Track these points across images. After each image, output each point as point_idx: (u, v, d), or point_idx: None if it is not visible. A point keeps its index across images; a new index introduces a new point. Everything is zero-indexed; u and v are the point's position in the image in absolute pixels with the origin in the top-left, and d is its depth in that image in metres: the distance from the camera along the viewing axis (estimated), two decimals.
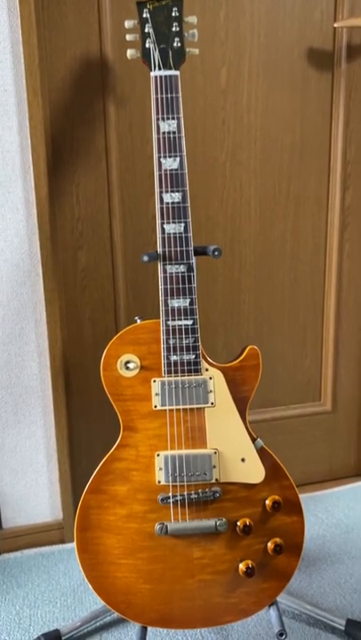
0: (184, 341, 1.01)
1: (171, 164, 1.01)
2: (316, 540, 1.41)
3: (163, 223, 1.01)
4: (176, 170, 1.00)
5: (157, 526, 0.99)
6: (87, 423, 1.43)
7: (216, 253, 1.01)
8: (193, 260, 1.01)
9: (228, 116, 1.38)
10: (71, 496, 1.40)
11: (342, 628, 1.12)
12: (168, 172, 1.00)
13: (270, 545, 1.01)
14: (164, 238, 1.00)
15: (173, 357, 1.01)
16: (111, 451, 1.01)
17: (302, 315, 1.55)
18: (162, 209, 1.01)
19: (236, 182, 1.42)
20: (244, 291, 1.50)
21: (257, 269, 1.49)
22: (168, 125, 1.01)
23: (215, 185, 1.41)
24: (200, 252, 1.04)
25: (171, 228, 1.00)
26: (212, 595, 1.02)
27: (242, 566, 1.01)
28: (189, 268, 1.01)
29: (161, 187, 1.00)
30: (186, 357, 1.01)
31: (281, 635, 1.00)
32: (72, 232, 1.33)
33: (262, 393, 1.56)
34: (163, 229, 1.01)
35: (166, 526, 0.99)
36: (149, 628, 1.07)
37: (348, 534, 1.43)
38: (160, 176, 1.00)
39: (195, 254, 1.02)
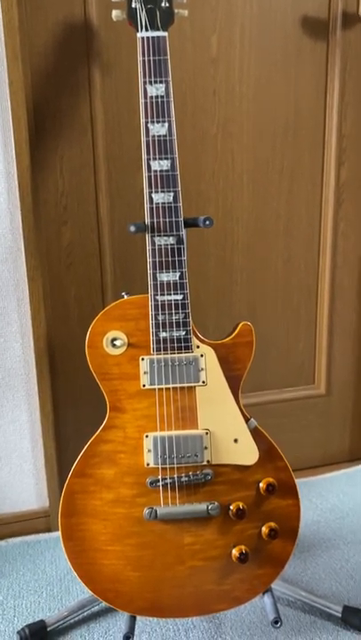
0: (174, 317, 0.96)
1: (159, 129, 0.95)
2: (310, 525, 1.37)
3: (151, 192, 0.95)
4: (164, 136, 0.95)
5: (146, 511, 0.95)
6: (74, 406, 1.38)
7: (207, 222, 0.95)
8: (183, 232, 0.96)
9: (219, 87, 1.32)
10: (57, 482, 1.35)
11: (339, 615, 1.08)
12: (156, 139, 0.95)
13: (265, 529, 0.96)
14: (152, 208, 0.95)
15: (163, 334, 0.96)
16: (97, 432, 0.96)
17: (296, 295, 1.51)
18: (150, 177, 0.95)
19: (227, 156, 1.37)
20: (236, 270, 1.44)
21: (250, 248, 1.44)
22: (156, 89, 0.95)
23: (206, 159, 1.35)
24: (190, 223, 0.99)
25: (159, 197, 0.95)
26: (204, 582, 0.98)
27: (235, 552, 0.96)
28: (179, 240, 0.96)
29: (149, 154, 0.95)
30: (176, 334, 0.96)
31: (276, 622, 0.95)
32: (56, 206, 1.27)
33: (255, 376, 1.51)
34: (151, 199, 0.95)
35: (155, 511, 0.94)
36: (139, 618, 1.03)
37: (343, 520, 1.40)
38: (147, 142, 0.95)
39: (185, 226, 0.97)
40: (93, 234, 1.31)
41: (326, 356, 1.56)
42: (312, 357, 1.56)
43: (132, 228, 0.93)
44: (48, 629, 1.07)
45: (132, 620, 0.99)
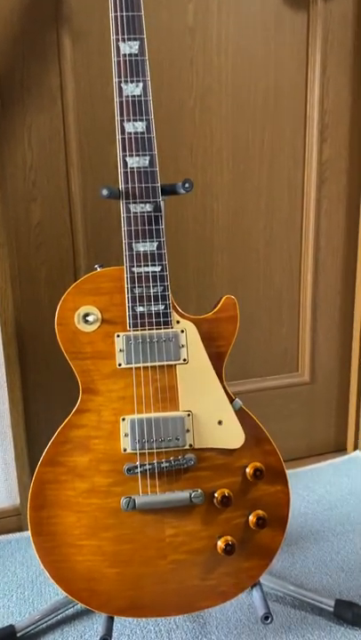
0: (151, 290, 0.88)
1: (133, 89, 0.88)
2: (297, 517, 1.31)
3: (125, 156, 0.88)
4: (139, 96, 0.88)
5: (123, 501, 0.87)
6: (46, 396, 1.29)
7: (187, 186, 0.88)
8: (160, 199, 0.89)
9: (197, 57, 1.26)
10: (29, 478, 1.26)
11: (331, 610, 1.02)
12: (130, 99, 0.88)
13: (252, 518, 0.89)
14: (126, 173, 0.88)
15: (140, 309, 0.88)
16: (69, 417, 0.88)
17: (278, 277, 1.45)
18: (123, 140, 0.88)
19: (206, 130, 1.30)
20: (216, 250, 1.38)
21: (230, 227, 1.37)
22: (129, 47, 0.88)
23: (184, 133, 1.28)
24: (168, 190, 0.92)
25: (134, 161, 0.88)
26: (188, 577, 0.90)
27: (221, 543, 0.89)
28: (156, 208, 0.88)
29: (122, 115, 0.88)
30: (154, 308, 0.89)
31: (266, 618, 0.88)
32: (24, 181, 1.19)
33: (237, 363, 1.45)
34: (125, 163, 0.88)
35: (134, 500, 0.86)
36: (117, 619, 0.95)
37: (331, 511, 1.33)
38: (121, 103, 0.88)
39: (162, 193, 0.90)
40: (65, 212, 1.23)
41: (310, 341, 1.50)
42: (295, 343, 1.51)
43: (105, 192, 0.85)
44: (18, 635, 0.99)
45: (110, 621, 0.90)
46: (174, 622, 1.02)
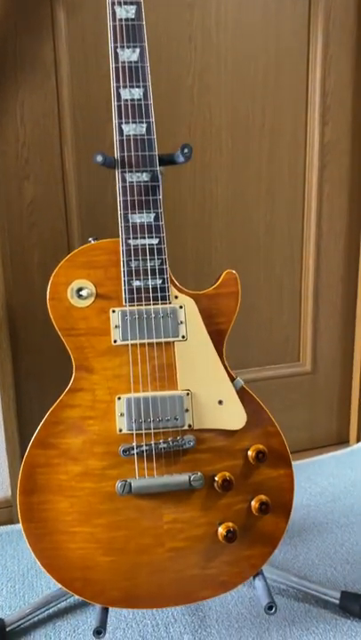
0: (148, 264, 0.84)
1: (129, 55, 0.84)
2: (300, 509, 1.26)
3: (120, 123, 0.84)
4: (136, 62, 0.84)
5: (119, 484, 0.82)
6: (40, 384, 1.25)
7: (186, 151, 0.84)
8: (158, 168, 0.85)
9: (195, 33, 1.22)
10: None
11: (337, 602, 0.97)
12: (127, 65, 0.84)
13: (255, 503, 0.85)
14: (122, 140, 0.84)
15: (136, 283, 0.84)
16: (61, 397, 0.84)
17: (279, 264, 1.40)
18: (119, 107, 0.84)
19: (205, 110, 1.26)
20: (215, 235, 1.34)
21: (230, 211, 1.33)
22: (126, 11, 0.85)
23: (182, 112, 1.25)
24: (166, 159, 0.88)
25: (130, 128, 0.84)
26: (187, 566, 0.85)
27: (221, 530, 0.84)
28: (154, 177, 0.84)
29: (118, 81, 0.84)
30: (151, 283, 0.84)
31: (270, 608, 0.83)
32: (16, 159, 1.15)
33: (236, 352, 1.40)
34: (121, 130, 0.84)
35: (129, 484, 0.82)
36: (112, 611, 0.90)
37: (335, 503, 1.29)
38: (117, 69, 0.84)
39: (160, 163, 0.86)
40: (58, 190, 1.19)
41: (312, 329, 1.46)
42: (297, 331, 1.46)
43: (99, 158, 0.81)
44: (8, 629, 0.94)
45: (105, 612, 0.85)
46: (172, 615, 0.97)
